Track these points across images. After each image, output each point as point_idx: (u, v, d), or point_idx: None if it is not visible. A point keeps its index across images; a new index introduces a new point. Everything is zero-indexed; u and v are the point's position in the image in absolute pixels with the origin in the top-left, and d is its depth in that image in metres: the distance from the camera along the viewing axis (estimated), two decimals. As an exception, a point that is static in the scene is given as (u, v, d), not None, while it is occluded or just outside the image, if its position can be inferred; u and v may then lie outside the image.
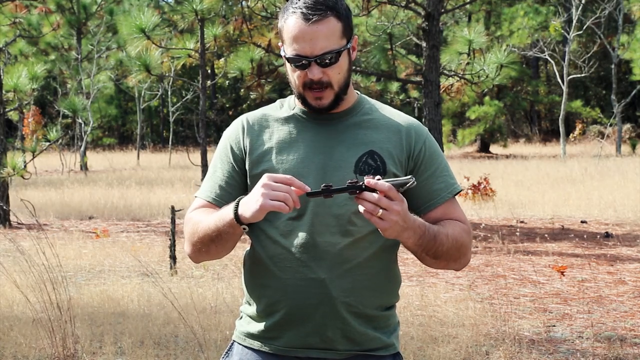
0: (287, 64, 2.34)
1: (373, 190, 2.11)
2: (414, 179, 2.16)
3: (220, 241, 2.28)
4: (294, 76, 2.33)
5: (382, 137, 2.38)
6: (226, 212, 2.24)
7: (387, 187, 2.11)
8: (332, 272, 2.30)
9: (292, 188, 2.13)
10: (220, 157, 2.43)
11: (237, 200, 2.22)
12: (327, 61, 2.28)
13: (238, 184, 2.39)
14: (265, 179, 2.14)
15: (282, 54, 2.35)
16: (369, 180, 2.11)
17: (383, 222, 2.12)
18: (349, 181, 2.13)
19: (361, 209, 2.13)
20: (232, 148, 2.41)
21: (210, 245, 2.31)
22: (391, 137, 2.38)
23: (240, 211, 2.19)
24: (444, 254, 2.32)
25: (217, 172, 2.41)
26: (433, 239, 2.27)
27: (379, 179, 2.12)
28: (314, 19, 2.26)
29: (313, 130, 2.38)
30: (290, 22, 2.29)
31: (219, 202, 2.38)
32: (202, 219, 2.32)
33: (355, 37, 2.38)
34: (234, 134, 2.43)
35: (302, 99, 2.35)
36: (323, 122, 2.39)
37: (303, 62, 2.28)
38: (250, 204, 2.16)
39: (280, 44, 2.39)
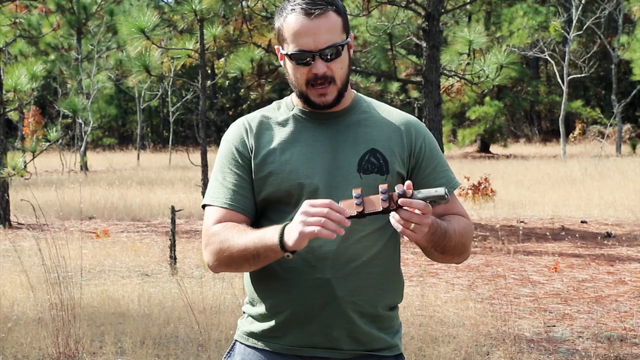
0: (288, 63, 2.33)
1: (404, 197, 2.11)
2: (447, 195, 2.13)
3: (257, 262, 2.24)
4: (296, 74, 2.32)
5: (383, 135, 2.38)
6: (269, 237, 2.18)
7: (423, 205, 2.09)
8: (337, 272, 2.30)
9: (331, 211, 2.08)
10: (227, 162, 2.38)
11: (282, 226, 2.17)
12: (330, 56, 2.29)
13: (250, 186, 2.36)
14: (304, 205, 2.11)
15: (282, 53, 2.34)
16: (403, 200, 2.09)
17: (414, 235, 2.14)
18: (381, 188, 2.10)
19: (393, 221, 2.13)
20: (238, 150, 2.37)
21: (244, 265, 2.27)
22: (392, 135, 2.39)
23: (285, 239, 2.14)
24: (451, 249, 2.34)
25: (226, 177, 2.36)
26: (443, 235, 2.28)
27: (410, 191, 2.10)
28: (315, 13, 2.27)
29: (314, 130, 2.38)
30: (290, 19, 2.29)
31: (236, 207, 2.34)
32: (234, 236, 2.26)
33: (352, 34, 2.39)
34: (237, 136, 2.40)
35: (304, 97, 2.34)
36: (323, 121, 2.39)
37: (307, 58, 2.28)
38: (291, 232, 2.12)
39: (277, 47, 2.38)
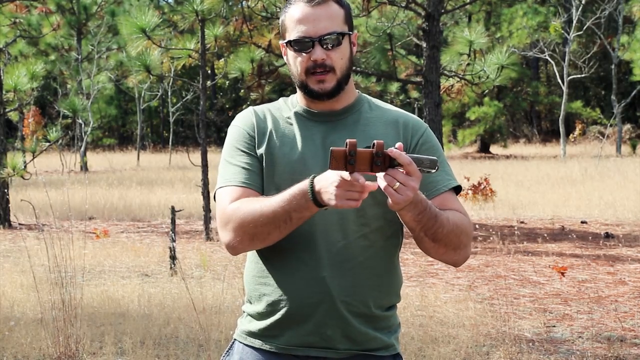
0: (290, 52, 2.35)
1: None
2: (437, 167, 2.14)
3: (287, 227, 2.23)
4: (296, 63, 2.34)
5: (380, 132, 2.38)
6: (298, 195, 2.17)
7: (408, 161, 2.08)
8: (332, 271, 2.30)
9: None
10: (238, 143, 2.39)
11: (310, 181, 2.16)
12: (330, 44, 2.31)
13: (261, 165, 2.37)
14: (348, 176, 2.07)
15: (284, 42, 2.37)
16: (392, 149, 2.08)
17: (397, 196, 2.10)
18: (375, 141, 2.09)
19: (379, 179, 2.12)
20: (248, 133, 2.39)
21: (273, 233, 2.24)
22: (389, 132, 2.39)
23: (318, 196, 2.13)
24: (444, 237, 2.27)
25: (238, 157, 2.37)
26: (434, 217, 2.23)
27: (400, 149, 2.10)
28: (316, 1, 2.32)
29: (314, 129, 2.39)
30: (292, 9, 2.35)
31: (251, 185, 2.33)
32: (258, 206, 2.24)
33: (356, 32, 2.41)
34: (246, 120, 2.42)
35: (304, 87, 2.36)
36: (324, 119, 2.40)
37: (307, 44, 2.31)
38: (326, 194, 2.11)
39: (281, 42, 2.41)
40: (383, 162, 2.08)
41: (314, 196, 2.15)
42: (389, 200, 2.13)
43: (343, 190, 2.08)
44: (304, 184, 2.17)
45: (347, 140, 2.07)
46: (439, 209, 2.29)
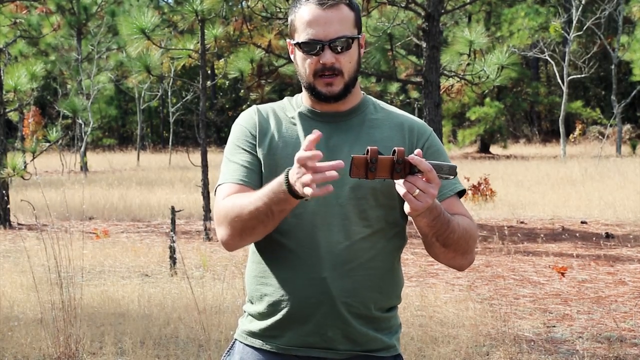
0: (298, 53, 2.34)
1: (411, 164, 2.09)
2: (456, 173, 2.15)
3: (270, 221, 2.23)
4: (304, 65, 2.33)
5: (385, 136, 2.38)
6: (276, 189, 2.16)
7: (429, 168, 2.09)
8: (333, 272, 2.30)
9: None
10: (239, 141, 2.39)
11: (285, 174, 2.14)
12: (340, 47, 2.30)
13: (260, 163, 2.37)
14: (310, 159, 2.05)
15: (292, 43, 2.36)
16: (412, 156, 2.09)
17: (416, 202, 2.11)
18: (395, 148, 2.09)
19: (398, 186, 2.12)
20: (250, 132, 2.39)
21: (258, 227, 2.25)
22: (394, 136, 2.39)
23: (293, 187, 2.12)
24: (454, 242, 2.29)
25: (239, 155, 2.37)
26: (447, 223, 2.25)
27: (419, 155, 2.10)
28: (328, 4, 2.30)
29: (317, 129, 2.38)
30: (303, 10, 2.32)
31: (248, 183, 2.34)
32: (245, 201, 2.25)
33: (363, 34, 2.40)
34: (250, 119, 2.41)
35: (312, 89, 2.35)
36: (329, 120, 2.39)
37: (317, 47, 2.30)
38: (296, 183, 2.10)
39: (289, 41, 2.40)
40: (403, 169, 2.10)
41: (290, 188, 2.14)
42: (407, 206, 2.14)
43: (317, 171, 2.05)
44: (280, 178, 2.17)
45: (368, 148, 2.07)
46: (449, 212, 2.31)
